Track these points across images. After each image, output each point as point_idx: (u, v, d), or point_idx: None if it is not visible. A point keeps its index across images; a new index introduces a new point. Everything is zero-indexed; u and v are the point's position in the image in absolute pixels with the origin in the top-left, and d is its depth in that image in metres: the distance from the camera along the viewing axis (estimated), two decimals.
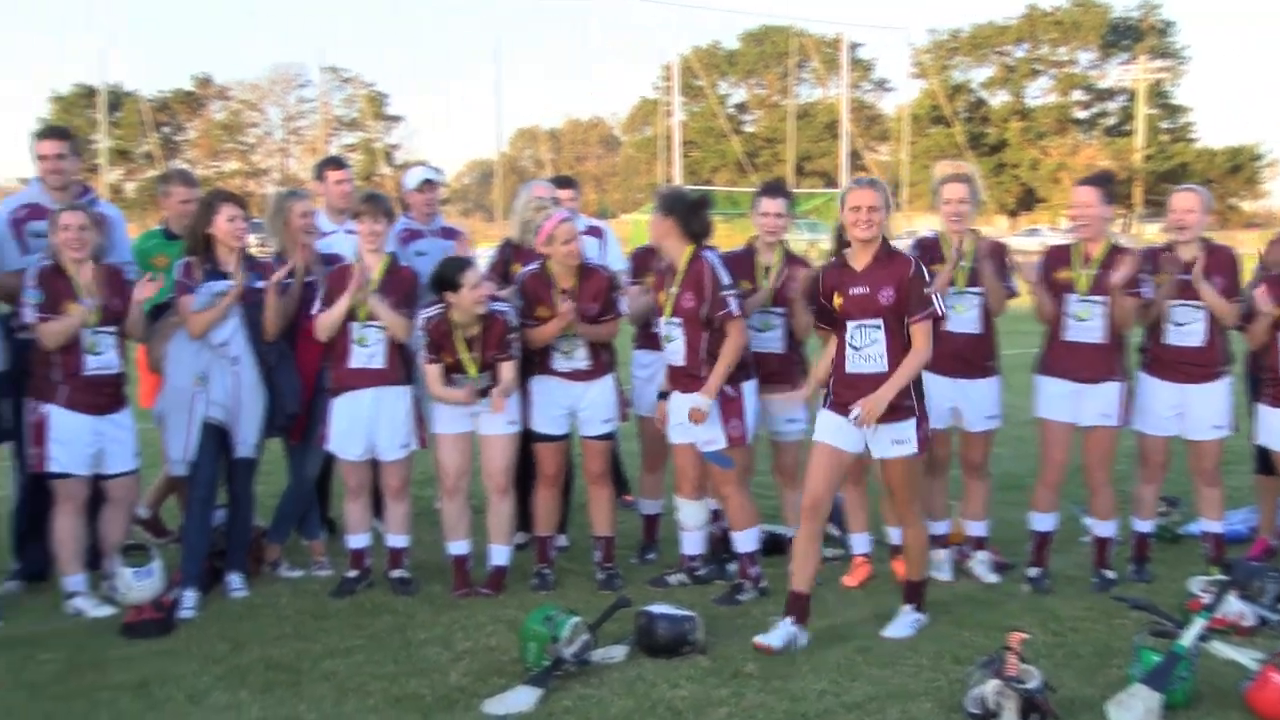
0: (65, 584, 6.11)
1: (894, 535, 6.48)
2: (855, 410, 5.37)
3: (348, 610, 6.16)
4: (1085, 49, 73.90)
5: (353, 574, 6.48)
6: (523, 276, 6.48)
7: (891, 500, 5.94)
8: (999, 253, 6.48)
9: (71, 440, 6.00)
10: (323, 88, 73.45)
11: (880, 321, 5.43)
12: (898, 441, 5.47)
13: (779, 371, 6.50)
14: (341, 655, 5.49)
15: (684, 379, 6.14)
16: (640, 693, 4.98)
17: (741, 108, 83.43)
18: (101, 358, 6.08)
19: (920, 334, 5.44)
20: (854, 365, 5.50)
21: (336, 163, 7.80)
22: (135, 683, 5.16)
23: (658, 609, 5.50)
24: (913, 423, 5.48)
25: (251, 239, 6.87)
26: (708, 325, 6.03)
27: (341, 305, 6.22)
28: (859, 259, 5.53)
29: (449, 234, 7.46)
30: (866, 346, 5.46)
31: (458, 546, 6.48)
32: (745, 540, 6.28)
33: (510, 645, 5.48)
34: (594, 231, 7.38)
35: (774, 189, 6.75)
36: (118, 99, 66.07)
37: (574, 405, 6.49)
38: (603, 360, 6.52)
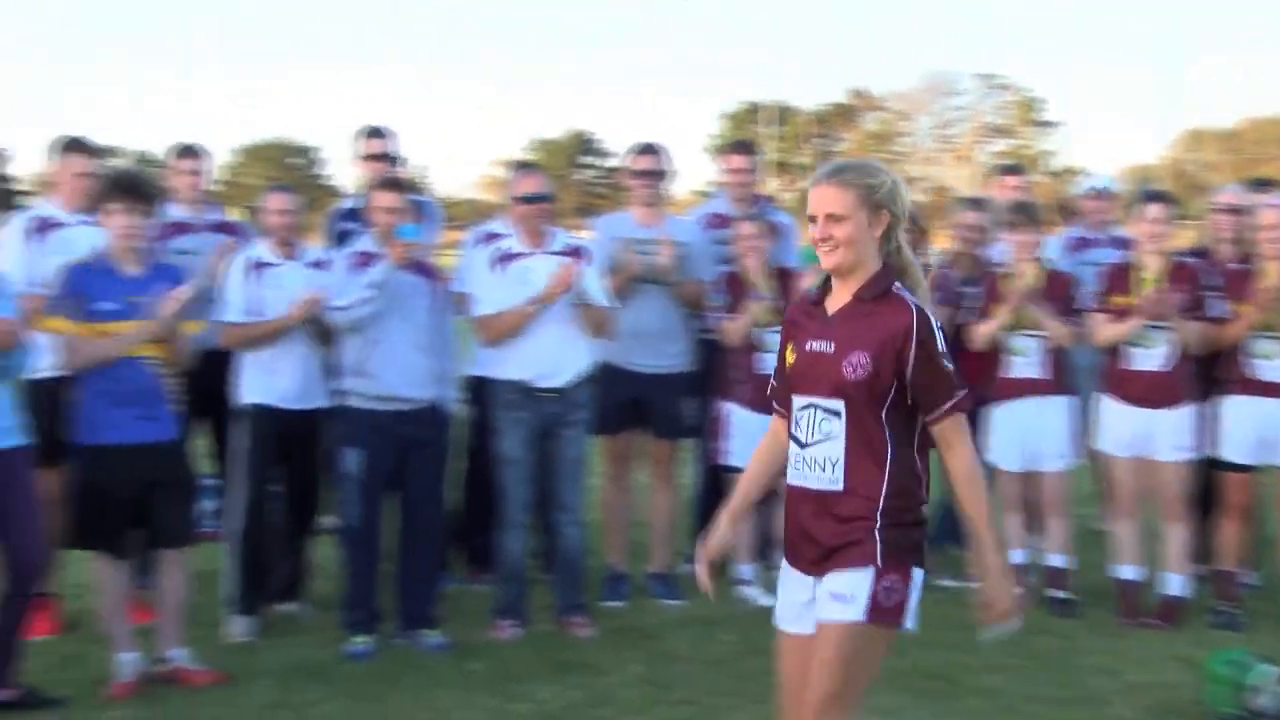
0: (738, 571, 6.51)
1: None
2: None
3: None
4: None
5: None
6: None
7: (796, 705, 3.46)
8: None
9: (749, 437, 6.37)
10: (975, 95, 73.34)
11: (841, 405, 3.29)
12: (837, 598, 3.25)
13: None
14: (999, 671, 5.35)
15: None
16: None
17: None
18: (771, 357, 6.40)
19: (953, 433, 3.31)
20: (794, 473, 3.38)
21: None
22: None
23: None
24: (868, 575, 3.23)
25: None
26: None
27: (1001, 316, 6.14)
28: (836, 297, 3.41)
29: (1119, 244, 7.06)
30: (814, 443, 3.32)
31: (1128, 571, 6.10)
32: None
33: (1189, 684, 5.04)
34: None
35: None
36: (782, 114, 70.44)
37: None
38: None
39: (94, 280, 5.03)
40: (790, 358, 3.40)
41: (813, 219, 3.30)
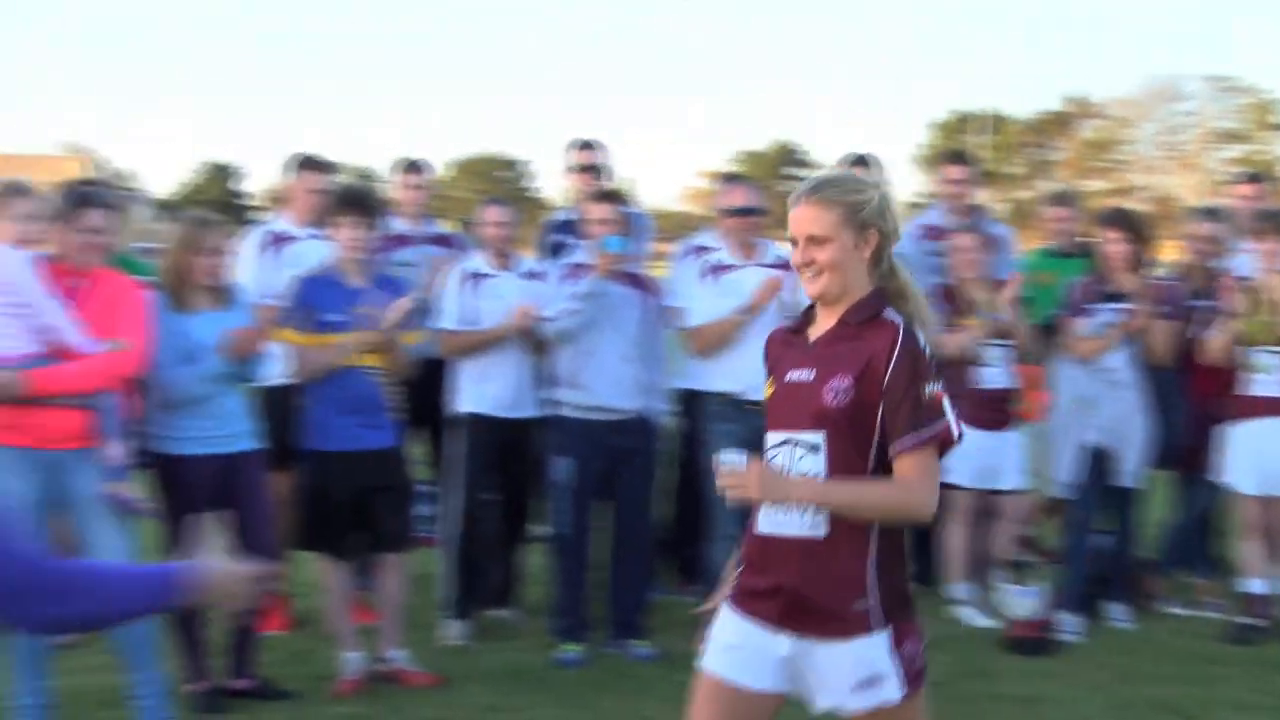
0: (952, 591, 6.32)
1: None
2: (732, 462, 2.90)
3: (1245, 659, 5.64)
4: None
5: (1250, 620, 5.93)
6: None
7: None
8: None
9: (964, 454, 6.18)
10: (1203, 99, 69.88)
11: (821, 439, 2.94)
12: (865, 683, 2.91)
13: None
14: (1238, 709, 5.04)
15: None
16: None
17: None
18: (992, 372, 6.21)
19: (915, 470, 2.89)
20: (765, 518, 3.02)
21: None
22: (1021, 697, 5.18)
23: None
24: (884, 639, 2.91)
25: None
26: None
27: (1233, 328, 5.80)
28: (820, 324, 3.07)
29: None
30: None
31: None
32: None
33: None
34: None
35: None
36: (994, 122, 68.63)
37: None
38: None
39: (322, 292, 5.23)
40: (768, 391, 3.07)
41: (792, 242, 2.98)
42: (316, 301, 5.20)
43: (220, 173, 72.83)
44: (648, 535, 5.92)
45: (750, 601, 3.00)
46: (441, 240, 6.62)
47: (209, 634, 5.08)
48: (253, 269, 5.92)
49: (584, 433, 5.67)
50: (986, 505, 6.33)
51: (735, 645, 3.01)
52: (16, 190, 4.42)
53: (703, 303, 5.83)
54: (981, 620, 6.14)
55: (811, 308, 3.06)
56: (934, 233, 6.75)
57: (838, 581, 2.88)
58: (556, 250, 6.43)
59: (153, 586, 2.46)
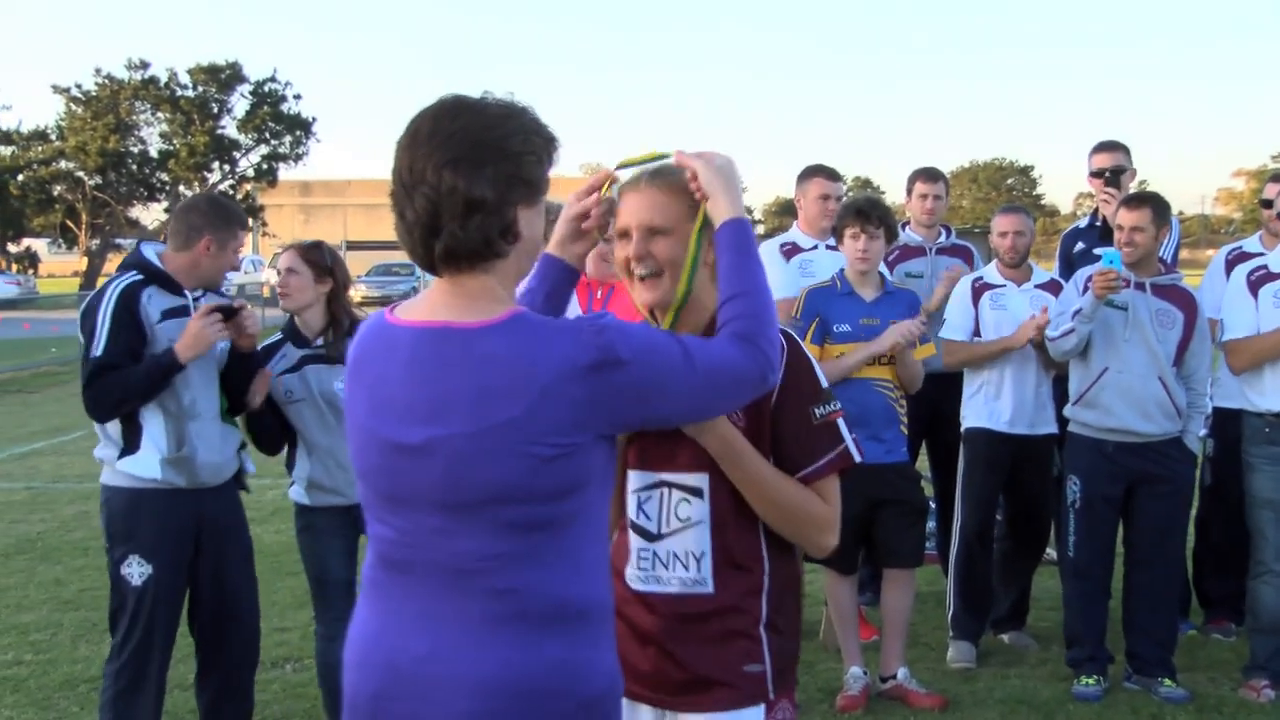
0: None
1: None
2: None
3: None
4: None
5: None
6: None
7: None
8: None
9: None
10: None
11: (705, 481, 2.44)
12: None
13: None
14: None
15: None
16: None
17: None
18: None
19: (830, 494, 2.47)
20: (638, 575, 2.50)
21: None
22: None
23: None
24: (758, 714, 2.45)
25: None
26: None
27: None
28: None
29: None
30: (670, 534, 2.48)
31: None
32: None
33: None
34: None
35: None
36: None
37: None
38: None
39: (832, 303, 5.23)
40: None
41: (622, 234, 2.47)
42: (826, 312, 5.21)
43: None
44: (1173, 565, 5.44)
45: (637, 679, 2.48)
46: (955, 251, 6.43)
47: None
48: (780, 279, 6.02)
49: (1098, 453, 5.29)
50: None
51: None
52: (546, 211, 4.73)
53: (1246, 314, 5.26)
54: None
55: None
56: None
57: (730, 650, 2.46)
58: (1076, 261, 6.06)
59: None
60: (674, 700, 2.49)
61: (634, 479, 2.50)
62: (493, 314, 2.07)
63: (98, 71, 49.47)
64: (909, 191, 6.51)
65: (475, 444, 2.01)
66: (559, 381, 2.00)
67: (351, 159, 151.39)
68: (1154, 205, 5.27)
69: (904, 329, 5.06)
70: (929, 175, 6.46)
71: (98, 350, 4.09)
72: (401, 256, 23.47)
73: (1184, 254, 7.46)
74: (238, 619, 4.46)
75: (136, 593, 4.19)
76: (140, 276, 4.23)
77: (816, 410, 2.47)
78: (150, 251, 4.31)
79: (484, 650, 2.04)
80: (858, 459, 2.52)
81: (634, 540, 2.51)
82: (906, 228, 6.36)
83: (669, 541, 2.47)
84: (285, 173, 53.67)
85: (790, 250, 6.14)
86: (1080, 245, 6.16)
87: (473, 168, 2.04)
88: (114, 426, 4.21)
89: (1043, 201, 59.66)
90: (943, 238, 6.46)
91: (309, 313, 4.59)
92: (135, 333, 4.12)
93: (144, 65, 49.47)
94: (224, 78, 50.28)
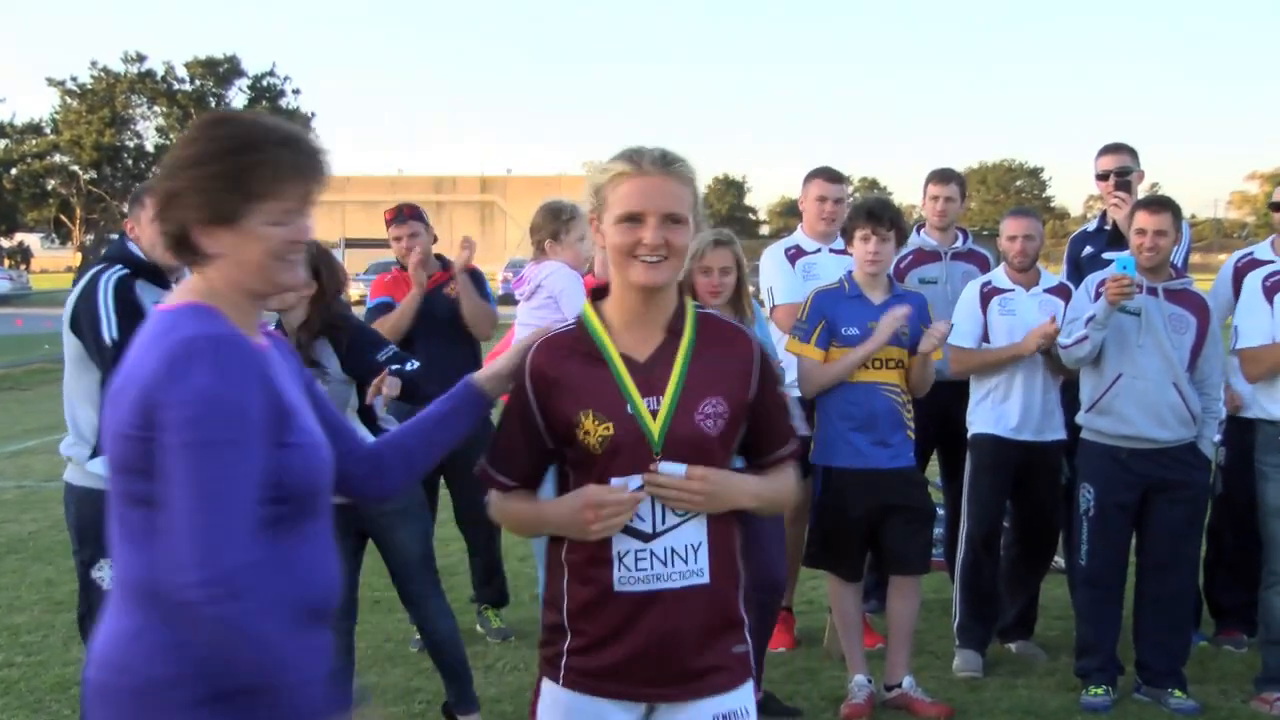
0: None
1: None
2: None
3: None
4: None
5: None
6: None
7: None
8: None
9: None
10: None
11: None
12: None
13: None
14: None
15: None
16: None
17: None
18: None
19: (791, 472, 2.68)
20: (634, 575, 2.48)
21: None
22: None
23: None
24: (748, 689, 2.59)
25: None
26: None
27: None
28: (629, 337, 2.55)
29: None
30: (667, 530, 2.49)
31: None
32: None
33: None
34: None
35: None
36: None
37: None
38: None
39: (839, 305, 5.14)
40: (591, 427, 2.47)
41: (634, 218, 2.45)
42: (833, 315, 5.12)
43: (731, 187, 75.84)
44: (1185, 575, 5.35)
45: (594, 680, 2.50)
46: (970, 257, 6.30)
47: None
48: (784, 283, 5.94)
49: (1113, 460, 5.21)
50: None
51: None
52: (576, 214, 4.66)
53: (1262, 321, 5.18)
54: None
55: (583, 319, 2.57)
56: None
57: (718, 629, 2.52)
58: (1084, 265, 5.97)
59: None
60: (668, 692, 2.50)
61: (618, 485, 2.47)
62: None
63: (93, 64, 49.51)
64: (924, 194, 6.41)
65: None
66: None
67: (350, 155, 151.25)
68: (1174, 209, 5.19)
69: (893, 316, 4.95)
70: (941, 176, 6.34)
71: (113, 332, 4.00)
72: None
73: (1196, 258, 7.40)
74: None
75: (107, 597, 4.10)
76: (126, 270, 4.15)
77: (783, 396, 2.68)
78: (133, 244, 4.24)
79: None
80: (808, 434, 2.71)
81: (625, 543, 2.47)
82: (921, 231, 6.26)
83: (666, 538, 2.48)
84: None
85: (794, 254, 6.06)
86: (1089, 249, 6.06)
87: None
88: (87, 424, 4.12)
89: (1052, 204, 59.50)
90: (959, 242, 6.30)
91: (293, 314, 4.54)
92: (139, 320, 4.04)
93: (140, 58, 49.38)
94: (222, 71, 50.21)
